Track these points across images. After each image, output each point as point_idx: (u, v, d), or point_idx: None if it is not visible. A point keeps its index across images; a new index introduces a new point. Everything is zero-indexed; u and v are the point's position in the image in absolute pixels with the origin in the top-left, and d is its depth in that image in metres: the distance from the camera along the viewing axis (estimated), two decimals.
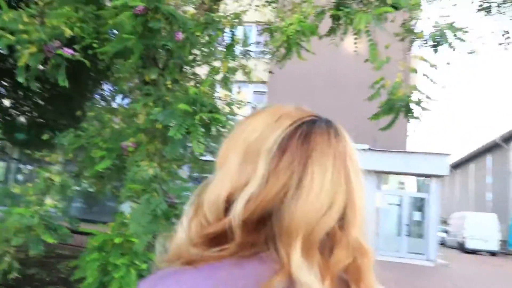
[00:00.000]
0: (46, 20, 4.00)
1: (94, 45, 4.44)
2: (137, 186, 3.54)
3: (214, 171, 0.72)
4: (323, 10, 5.34)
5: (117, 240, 3.34)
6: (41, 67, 3.94)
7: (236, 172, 0.67)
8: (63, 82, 3.71)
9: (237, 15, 4.59)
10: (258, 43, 8.18)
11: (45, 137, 4.41)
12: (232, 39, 4.08)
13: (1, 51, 3.69)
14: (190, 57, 4.64)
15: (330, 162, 0.66)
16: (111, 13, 3.81)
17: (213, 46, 4.09)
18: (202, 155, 4.17)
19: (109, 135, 4.76)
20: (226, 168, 0.68)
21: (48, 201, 3.78)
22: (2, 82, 14.51)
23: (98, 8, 4.37)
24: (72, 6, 4.46)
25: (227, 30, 4.37)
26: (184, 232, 0.68)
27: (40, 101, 14.20)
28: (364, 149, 14.71)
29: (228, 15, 4.52)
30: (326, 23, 5.49)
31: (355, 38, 4.85)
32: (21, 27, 3.65)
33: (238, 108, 6.01)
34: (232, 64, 5.02)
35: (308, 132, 0.68)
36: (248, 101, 8.45)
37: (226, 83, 4.03)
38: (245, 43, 6.92)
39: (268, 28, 4.99)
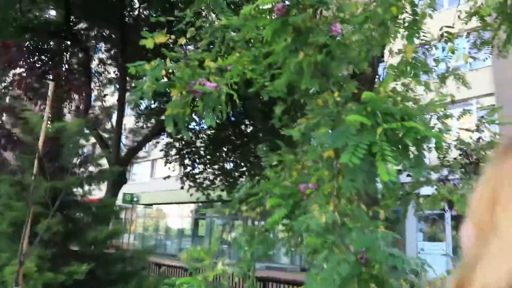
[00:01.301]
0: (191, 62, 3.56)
1: (267, 83, 3.86)
2: (313, 240, 2.52)
3: (471, 237, 0.55)
4: None
5: None
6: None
7: None
8: (211, 121, 3.08)
9: None
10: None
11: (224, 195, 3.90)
12: (415, 13, 2.80)
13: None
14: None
15: None
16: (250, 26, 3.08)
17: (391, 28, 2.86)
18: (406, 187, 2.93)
19: (292, 180, 3.96)
20: (501, 238, 0.50)
21: (219, 265, 3.09)
22: (223, 148, 16.03)
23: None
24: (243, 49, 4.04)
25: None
26: None
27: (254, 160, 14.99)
28: None
29: None
30: None
31: None
32: (163, 72, 3.25)
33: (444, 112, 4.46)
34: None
35: None
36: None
37: (416, 74, 2.73)
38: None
39: None
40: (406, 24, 2.87)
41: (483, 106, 16.38)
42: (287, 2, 2.87)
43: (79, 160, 6.24)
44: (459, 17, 6.18)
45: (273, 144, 5.03)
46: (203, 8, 3.76)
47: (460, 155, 7.55)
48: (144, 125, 15.39)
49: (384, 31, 3.11)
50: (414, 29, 2.66)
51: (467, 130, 5.82)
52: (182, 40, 3.59)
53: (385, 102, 2.65)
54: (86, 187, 6.40)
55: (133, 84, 3.40)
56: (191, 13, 3.60)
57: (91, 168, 6.55)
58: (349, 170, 2.39)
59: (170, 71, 3.64)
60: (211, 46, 4.23)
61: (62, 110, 14.44)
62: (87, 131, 6.24)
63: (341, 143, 2.45)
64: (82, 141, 6.40)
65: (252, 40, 4.67)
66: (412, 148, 2.76)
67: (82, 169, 6.44)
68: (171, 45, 3.88)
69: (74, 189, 6.09)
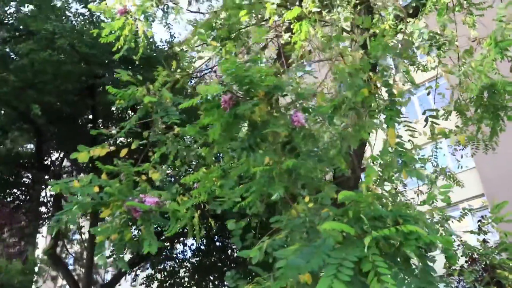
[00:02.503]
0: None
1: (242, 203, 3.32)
2: None
3: None
4: None
5: None
6: None
7: None
8: (151, 248, 2.38)
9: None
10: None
11: None
12: (391, 93, 2.35)
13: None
14: None
15: None
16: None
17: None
18: None
19: None
20: None
21: None
22: (210, 276, 14.74)
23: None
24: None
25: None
26: None
27: None
28: None
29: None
30: None
31: None
32: (96, 189, 2.64)
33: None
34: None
35: None
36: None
37: (405, 164, 2.16)
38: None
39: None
40: (382, 108, 2.40)
41: (474, 209, 15.83)
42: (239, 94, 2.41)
43: None
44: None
45: (248, 271, 4.26)
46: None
47: (466, 261, 6.73)
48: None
49: (359, 121, 2.64)
50: (393, 110, 2.19)
51: (471, 232, 5.16)
52: (124, 152, 3.06)
53: (371, 203, 2.04)
54: None
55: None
56: (135, 121, 3.13)
57: None
58: None
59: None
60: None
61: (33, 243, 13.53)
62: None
63: (317, 263, 1.77)
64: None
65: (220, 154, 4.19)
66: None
67: None
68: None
69: None
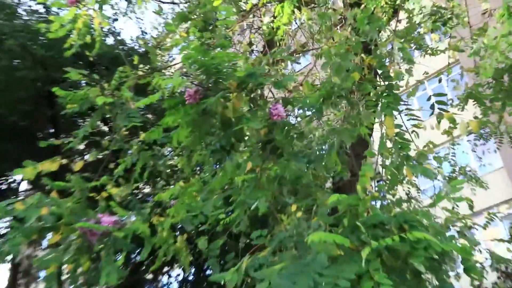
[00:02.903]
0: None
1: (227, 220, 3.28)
2: None
3: None
4: None
5: None
6: None
7: None
8: (108, 277, 2.28)
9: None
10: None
11: None
12: (387, 76, 2.27)
13: None
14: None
15: None
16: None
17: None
18: None
19: None
20: None
21: None
22: None
23: None
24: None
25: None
26: None
27: None
28: None
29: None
30: None
31: None
32: (44, 211, 2.54)
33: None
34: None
35: None
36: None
37: (407, 157, 2.08)
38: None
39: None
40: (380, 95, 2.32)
41: (507, 215, 15.53)
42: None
43: None
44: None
45: None
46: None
47: (499, 277, 6.63)
48: None
49: (352, 113, 2.56)
50: (390, 96, 2.10)
51: (499, 240, 5.06)
52: (79, 165, 2.97)
53: (370, 208, 1.96)
54: None
55: None
56: (90, 127, 3.03)
57: None
58: None
59: None
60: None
61: None
62: None
63: (306, 283, 1.67)
64: None
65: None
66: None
67: None
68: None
69: None
